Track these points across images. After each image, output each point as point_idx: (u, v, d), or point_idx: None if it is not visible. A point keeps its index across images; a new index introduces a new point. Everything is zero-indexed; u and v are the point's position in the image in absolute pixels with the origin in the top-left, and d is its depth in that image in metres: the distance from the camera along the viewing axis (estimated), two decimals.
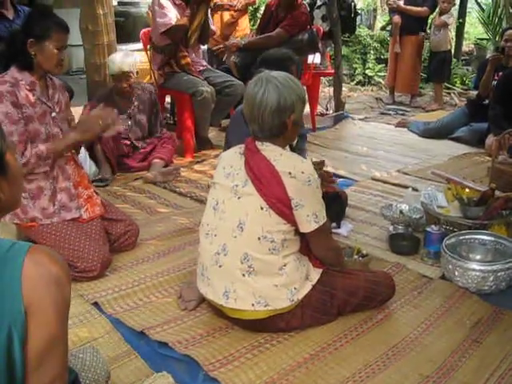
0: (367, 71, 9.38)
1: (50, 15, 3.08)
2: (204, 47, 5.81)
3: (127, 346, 2.39)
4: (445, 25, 7.45)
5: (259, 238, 2.32)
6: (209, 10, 5.05)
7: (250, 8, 7.28)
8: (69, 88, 5.00)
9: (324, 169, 3.72)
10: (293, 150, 2.80)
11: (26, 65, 2.95)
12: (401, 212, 3.50)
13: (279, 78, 2.38)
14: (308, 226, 2.36)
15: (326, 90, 7.95)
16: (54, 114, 3.06)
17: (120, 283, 2.88)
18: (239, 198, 2.38)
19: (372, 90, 9.09)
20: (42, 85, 3.02)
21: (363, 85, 9.31)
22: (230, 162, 2.48)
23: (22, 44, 2.91)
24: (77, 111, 4.63)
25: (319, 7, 6.51)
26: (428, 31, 7.87)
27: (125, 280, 2.91)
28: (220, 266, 2.41)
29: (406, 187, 4.22)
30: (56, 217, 2.98)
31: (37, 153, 2.89)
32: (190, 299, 2.69)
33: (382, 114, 7.44)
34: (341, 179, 4.53)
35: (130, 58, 4.42)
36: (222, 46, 5.53)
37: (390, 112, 7.46)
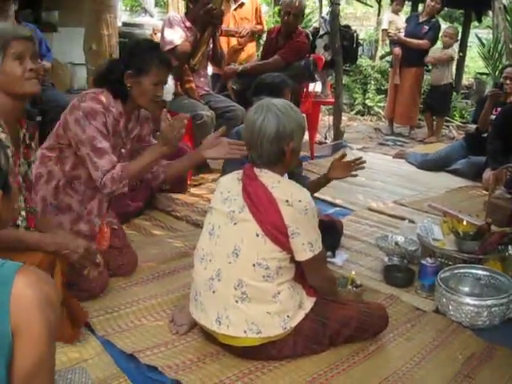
0: (367, 101, 9.44)
1: (155, 49, 3.06)
2: (209, 72, 5.85)
3: (116, 369, 2.36)
4: (450, 59, 7.52)
5: (254, 265, 2.32)
6: (217, 35, 5.08)
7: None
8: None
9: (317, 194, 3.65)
10: (291, 176, 2.80)
11: (121, 94, 2.94)
12: (396, 243, 3.50)
13: (279, 105, 2.40)
14: (303, 254, 2.36)
15: (325, 119, 7.99)
16: (123, 151, 3.05)
17: (112, 304, 2.85)
18: (235, 223, 2.38)
19: (371, 120, 9.14)
20: (126, 117, 3.01)
21: (363, 114, 9.37)
22: (228, 187, 2.48)
23: (121, 74, 2.90)
24: None
25: (322, 36, 6.57)
26: (429, 65, 7.93)
27: (117, 301, 2.89)
28: (213, 292, 2.40)
29: (403, 219, 4.22)
30: None
31: (112, 176, 2.82)
32: (181, 323, 2.67)
33: (381, 144, 7.47)
34: (337, 208, 4.53)
35: None
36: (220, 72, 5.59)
37: (389, 143, 7.50)
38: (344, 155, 3.38)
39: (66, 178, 2.95)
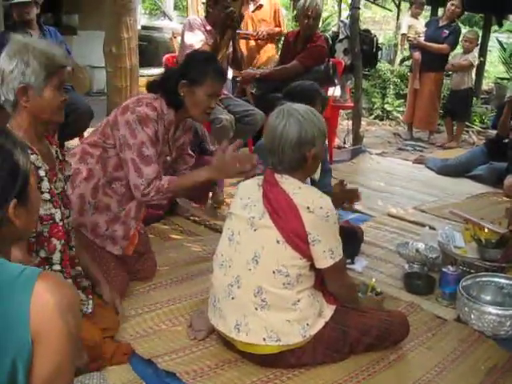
0: (386, 106, 9.38)
1: (212, 61, 3.07)
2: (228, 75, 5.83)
3: (134, 375, 2.35)
4: (470, 66, 7.46)
5: (274, 272, 2.29)
6: (236, 38, 5.07)
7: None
8: (89, 109, 5.05)
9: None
10: (314, 184, 2.77)
11: (174, 103, 2.95)
12: (417, 250, 3.46)
13: (301, 110, 2.37)
14: (324, 261, 2.33)
15: (344, 123, 7.95)
16: (168, 159, 3.04)
17: (130, 309, 2.84)
18: (255, 230, 2.36)
19: (390, 125, 9.08)
20: (175, 126, 3.02)
21: (381, 119, 9.31)
22: (248, 193, 2.46)
23: (176, 83, 2.92)
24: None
25: (341, 41, 6.55)
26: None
27: (135, 306, 2.87)
28: (233, 298, 2.38)
29: (423, 225, 4.18)
30: (99, 239, 2.91)
31: (158, 186, 2.81)
32: (199, 329, 2.66)
33: (400, 149, 7.41)
34: (356, 214, 4.49)
35: None
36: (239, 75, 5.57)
37: (408, 148, 7.44)
38: (342, 181, 3.40)
39: (107, 179, 2.93)
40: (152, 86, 3.06)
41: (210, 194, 4.20)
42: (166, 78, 3.05)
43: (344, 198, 3.34)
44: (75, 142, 5.45)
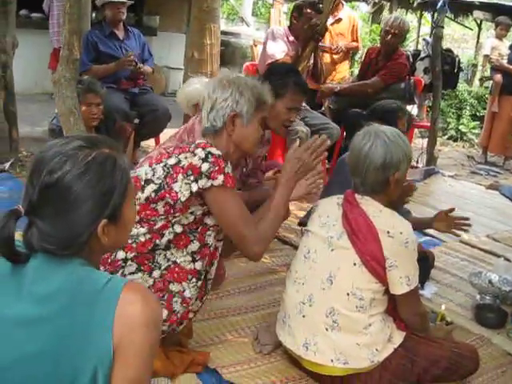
0: (461, 127, 9.19)
1: (293, 74, 3.10)
2: None
3: (199, 382, 2.36)
4: None
5: (348, 294, 2.27)
6: (318, 50, 5.06)
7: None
8: (167, 111, 5.13)
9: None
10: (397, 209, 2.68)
11: None
12: (490, 282, 3.37)
13: (388, 133, 2.35)
14: (399, 288, 2.29)
15: (416, 141, 7.83)
16: (244, 170, 3.09)
17: (198, 317, 2.85)
18: (332, 250, 2.34)
19: (463, 147, 8.89)
20: None
21: (455, 140, 9.12)
22: (327, 211, 2.44)
23: None
24: (170, 135, 4.72)
25: (422, 59, 6.46)
26: None
27: (202, 314, 2.89)
28: (303, 316, 2.36)
29: (496, 255, 4.07)
30: None
31: None
32: (265, 343, 2.65)
33: (473, 173, 7.24)
34: (427, 237, 4.40)
35: None
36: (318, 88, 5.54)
37: (482, 172, 7.25)
38: (452, 209, 3.23)
39: None
40: None
41: None
42: None
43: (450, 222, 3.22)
44: (151, 142, 5.55)
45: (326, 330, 2.29)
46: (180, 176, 2.15)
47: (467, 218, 3.24)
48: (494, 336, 3.03)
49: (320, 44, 5.87)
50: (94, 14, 6.98)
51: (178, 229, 2.21)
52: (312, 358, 2.33)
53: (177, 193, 2.15)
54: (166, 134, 5.21)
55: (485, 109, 8.43)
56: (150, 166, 2.25)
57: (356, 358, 2.29)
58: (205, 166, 2.14)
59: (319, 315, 2.31)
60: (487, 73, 9.00)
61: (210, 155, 2.16)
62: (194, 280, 2.26)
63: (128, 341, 1.24)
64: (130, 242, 2.19)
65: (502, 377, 2.70)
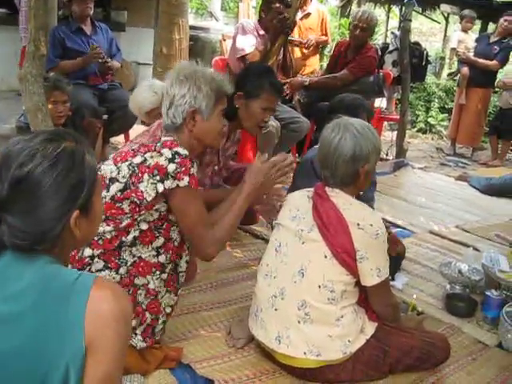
0: (430, 119, 9.29)
1: (269, 75, 3.10)
2: None
3: (172, 378, 2.35)
4: None
5: (319, 287, 2.28)
6: (288, 44, 5.07)
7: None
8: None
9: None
10: (358, 197, 2.73)
11: (229, 113, 2.94)
12: (460, 271, 3.41)
13: (357, 125, 2.36)
14: (370, 279, 2.31)
15: (386, 135, 7.89)
16: (216, 168, 3.06)
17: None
18: (303, 242, 2.34)
19: (432, 139, 9.00)
20: (227, 136, 3.06)
21: (424, 132, 9.22)
22: (298, 204, 2.45)
23: (232, 94, 2.92)
24: (140, 131, 4.68)
25: (391, 52, 6.50)
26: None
27: (174, 310, 2.88)
28: (276, 310, 2.37)
29: (466, 245, 4.12)
30: None
31: None
32: (238, 337, 2.65)
33: (442, 164, 7.33)
34: (398, 229, 4.44)
35: None
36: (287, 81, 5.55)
37: (451, 164, 7.35)
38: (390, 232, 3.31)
39: None
40: None
41: None
42: None
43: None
44: (120, 138, 5.51)
45: (299, 322, 2.30)
46: (146, 176, 2.15)
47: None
48: (464, 325, 3.07)
49: (290, 38, 5.89)
50: (60, 10, 6.88)
51: (144, 226, 2.22)
52: (285, 351, 2.34)
53: (143, 192, 2.15)
54: (136, 130, 5.18)
55: (453, 101, 8.52)
56: (115, 164, 2.23)
57: (328, 350, 2.30)
58: (171, 167, 2.14)
59: (291, 308, 2.31)
60: (454, 66, 9.10)
61: (176, 156, 2.16)
62: (157, 272, 2.27)
63: (99, 337, 1.23)
64: (96, 239, 2.19)
65: (472, 363, 2.73)
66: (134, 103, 3.96)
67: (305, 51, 6.26)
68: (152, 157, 2.17)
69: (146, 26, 9.56)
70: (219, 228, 2.36)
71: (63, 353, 1.21)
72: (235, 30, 5.11)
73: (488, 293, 3.10)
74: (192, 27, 10.73)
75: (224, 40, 6.62)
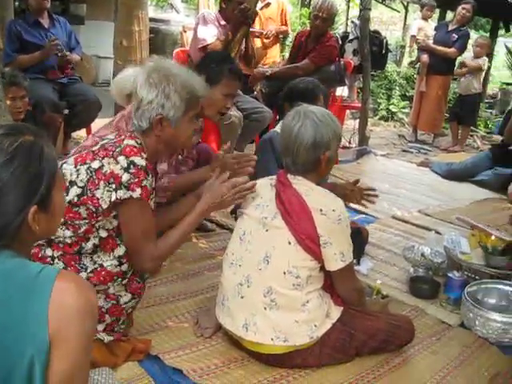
0: (391, 107, 9.40)
1: (228, 61, 3.12)
2: None
3: (141, 370, 2.35)
4: (479, 69, 7.44)
5: (284, 273, 2.30)
6: (249, 35, 5.07)
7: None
8: (97, 100, 5.05)
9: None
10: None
11: None
12: (422, 255, 3.47)
13: (317, 113, 2.38)
14: (334, 264, 2.34)
15: (348, 123, 7.96)
16: (180, 158, 3.07)
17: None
18: (267, 230, 2.36)
19: (395, 126, 9.10)
20: None
21: (386, 120, 9.32)
22: (260, 193, 2.47)
23: None
24: (101, 125, 4.64)
25: (351, 41, 6.56)
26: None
27: (141, 302, 2.86)
28: (242, 297, 2.38)
29: (428, 229, 4.20)
30: None
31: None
32: (206, 326, 2.66)
33: (404, 151, 7.43)
34: (362, 215, 4.50)
35: None
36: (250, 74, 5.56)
37: (412, 150, 7.46)
38: (358, 180, 3.32)
39: None
40: None
41: None
42: None
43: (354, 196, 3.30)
44: (82, 132, 5.45)
45: (265, 309, 2.32)
46: (102, 183, 2.12)
47: (374, 189, 3.36)
48: (427, 306, 3.13)
49: (250, 29, 5.89)
50: (16, 3, 6.77)
51: (103, 233, 2.20)
52: (252, 338, 2.36)
53: (98, 199, 2.13)
54: (97, 123, 5.13)
55: (413, 89, 8.63)
56: (75, 165, 2.20)
57: (295, 335, 2.33)
58: (125, 177, 2.11)
59: (257, 295, 2.34)
60: (414, 53, 9.21)
61: (131, 166, 2.12)
62: (119, 280, 2.25)
63: (64, 329, 1.22)
64: (56, 241, 2.17)
65: (436, 343, 2.79)
66: (115, 85, 3.90)
67: (265, 41, 6.27)
68: (109, 163, 2.13)
69: (105, 19, 9.44)
70: (162, 244, 2.29)
71: (27, 346, 1.20)
72: (196, 21, 5.08)
73: (450, 274, 3.17)
74: (153, 19, 10.65)
75: (185, 32, 6.60)
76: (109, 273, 2.21)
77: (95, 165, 2.16)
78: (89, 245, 2.19)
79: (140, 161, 2.14)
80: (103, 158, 2.16)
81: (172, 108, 2.22)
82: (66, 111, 5.00)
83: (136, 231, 2.19)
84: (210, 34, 4.73)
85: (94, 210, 2.14)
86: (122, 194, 2.11)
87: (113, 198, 2.11)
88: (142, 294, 2.42)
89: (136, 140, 2.23)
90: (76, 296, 1.25)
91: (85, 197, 2.14)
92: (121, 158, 2.13)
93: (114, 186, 2.11)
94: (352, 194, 3.24)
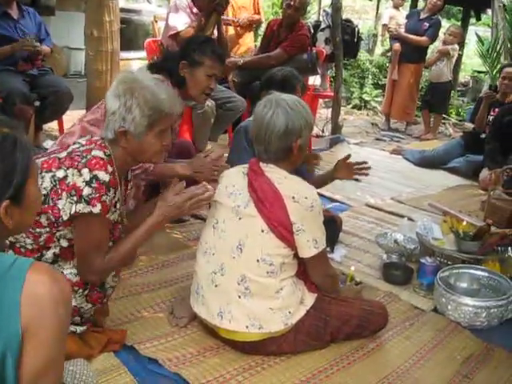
0: (364, 95, 9.44)
1: (210, 43, 3.19)
2: None
3: (117, 361, 2.35)
4: (447, 53, 7.49)
5: (258, 261, 2.31)
6: (221, 23, 5.06)
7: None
8: (69, 92, 4.99)
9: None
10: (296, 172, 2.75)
11: (178, 82, 3.06)
12: (395, 241, 3.50)
13: (289, 101, 2.38)
14: (308, 251, 2.35)
15: (322, 112, 7.98)
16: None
17: (112, 296, 2.83)
18: (240, 218, 2.37)
19: (368, 115, 9.15)
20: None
21: (359, 109, 9.37)
22: (233, 181, 2.47)
23: (177, 63, 3.03)
24: (74, 116, 4.61)
25: (323, 30, 6.57)
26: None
27: (116, 293, 2.85)
28: (216, 286, 2.39)
29: (401, 216, 4.24)
30: None
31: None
32: (181, 316, 2.66)
33: (377, 139, 7.48)
34: (335, 203, 4.53)
35: None
36: None
37: (385, 138, 7.50)
38: (349, 156, 3.35)
39: None
40: (153, 67, 3.11)
41: None
42: (166, 59, 3.15)
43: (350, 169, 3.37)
44: (54, 124, 5.39)
45: (239, 297, 2.33)
46: (64, 194, 2.10)
47: (365, 162, 3.40)
48: (401, 292, 3.17)
49: (223, 17, 5.87)
50: None
51: (64, 243, 2.19)
52: (227, 326, 2.37)
53: (59, 210, 2.11)
54: (69, 115, 5.09)
55: (386, 77, 8.67)
56: (41, 171, 2.14)
57: (270, 322, 2.35)
58: (86, 191, 2.08)
59: (231, 283, 2.34)
60: (387, 42, 9.26)
61: (94, 180, 2.09)
62: (80, 291, 2.23)
63: (36, 321, 1.21)
64: (17, 246, 2.14)
65: (410, 328, 2.83)
66: None
67: (238, 30, 6.26)
68: (73, 175, 2.10)
69: (76, 10, 9.29)
70: (113, 256, 2.25)
71: None
72: (168, 10, 5.06)
73: (423, 260, 3.20)
74: (124, 10, 10.52)
75: (156, 21, 6.55)
76: (69, 281, 2.15)
77: (60, 174, 2.13)
78: (49, 254, 2.18)
79: (104, 176, 2.11)
80: (68, 169, 2.13)
81: (132, 122, 2.17)
82: (37, 103, 4.92)
83: (89, 244, 2.17)
84: (181, 22, 4.71)
85: (53, 220, 2.12)
86: (81, 207, 2.08)
87: (72, 211, 2.09)
88: (105, 301, 2.41)
89: (105, 151, 2.19)
90: (49, 286, 1.24)
91: (46, 206, 2.11)
92: (85, 171, 2.10)
93: (75, 198, 2.09)
94: (342, 171, 3.39)
